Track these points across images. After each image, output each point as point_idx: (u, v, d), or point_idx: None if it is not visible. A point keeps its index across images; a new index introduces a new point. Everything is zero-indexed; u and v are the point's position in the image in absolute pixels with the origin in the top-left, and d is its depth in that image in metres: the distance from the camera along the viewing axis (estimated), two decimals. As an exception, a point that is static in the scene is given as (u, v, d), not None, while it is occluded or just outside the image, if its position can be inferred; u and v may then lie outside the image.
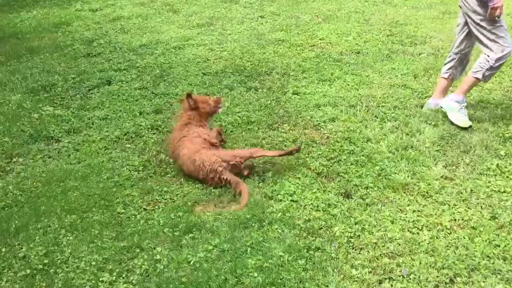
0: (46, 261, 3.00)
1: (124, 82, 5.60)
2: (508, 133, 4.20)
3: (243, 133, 4.41)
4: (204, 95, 4.26)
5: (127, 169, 3.93)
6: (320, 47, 6.55)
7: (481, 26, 4.21)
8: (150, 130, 4.55)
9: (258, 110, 4.83)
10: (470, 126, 4.29)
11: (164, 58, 6.33)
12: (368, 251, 3.00)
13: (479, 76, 4.29)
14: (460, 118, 4.33)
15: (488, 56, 4.22)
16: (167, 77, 5.72)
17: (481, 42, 4.29)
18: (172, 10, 8.56)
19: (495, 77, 5.35)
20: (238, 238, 3.12)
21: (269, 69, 5.86)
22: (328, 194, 3.54)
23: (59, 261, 3.01)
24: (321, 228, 3.20)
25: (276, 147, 4.15)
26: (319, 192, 3.57)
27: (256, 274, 2.82)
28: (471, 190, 3.52)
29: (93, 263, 2.97)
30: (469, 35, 4.44)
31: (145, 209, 3.46)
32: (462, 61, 4.61)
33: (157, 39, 7.04)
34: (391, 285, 2.75)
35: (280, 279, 2.79)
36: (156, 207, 3.49)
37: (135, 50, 6.64)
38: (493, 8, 4.04)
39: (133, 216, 3.39)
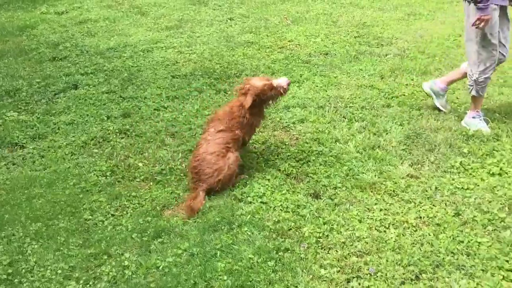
0: (10, 270, 2.93)
1: (91, 86, 5.52)
2: (471, 131, 4.31)
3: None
4: (267, 78, 3.81)
5: (94, 174, 3.88)
6: (289, 48, 6.59)
7: (470, 33, 4.20)
8: (118, 134, 4.49)
9: (228, 112, 4.82)
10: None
11: (132, 61, 6.26)
12: (336, 251, 3.03)
13: (474, 93, 4.37)
14: (483, 127, 4.35)
15: (471, 70, 4.29)
16: (135, 80, 5.66)
17: (467, 49, 4.32)
18: (141, 12, 8.48)
19: (459, 77, 5.50)
20: (207, 242, 3.11)
21: (238, 71, 5.87)
22: (297, 195, 3.57)
23: (24, 270, 2.94)
24: (291, 229, 3.23)
25: (245, 149, 4.16)
26: (289, 193, 3.59)
27: (225, 277, 2.82)
28: (436, 188, 3.60)
29: (59, 271, 2.92)
30: None
31: (112, 215, 3.42)
32: None
33: (125, 42, 6.96)
34: (359, 284, 2.79)
35: (250, 282, 2.79)
36: (124, 212, 3.45)
37: (102, 53, 6.54)
38: (479, 19, 3.97)
39: (101, 222, 3.34)
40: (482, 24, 3.99)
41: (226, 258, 2.97)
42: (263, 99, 3.76)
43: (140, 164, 4.00)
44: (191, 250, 3.04)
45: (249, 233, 3.18)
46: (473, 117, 4.43)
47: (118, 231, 3.25)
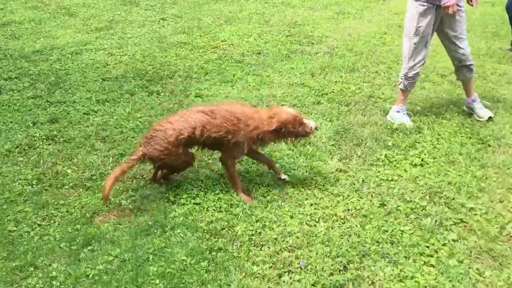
0: None
1: (15, 91, 5.27)
2: (395, 125, 4.52)
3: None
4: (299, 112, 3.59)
5: (19, 183, 3.71)
6: (222, 48, 6.62)
7: (407, 29, 4.41)
8: (45, 141, 4.32)
9: (161, 114, 4.77)
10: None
11: (60, 64, 6.04)
12: (268, 247, 3.09)
13: (402, 87, 4.60)
14: (406, 121, 4.54)
15: (404, 65, 4.52)
16: (63, 84, 5.47)
17: (403, 44, 4.52)
18: (69, 13, 8.19)
19: (384, 73, 5.76)
20: (139, 246, 3.07)
21: (171, 72, 5.82)
22: (230, 195, 3.59)
23: None
24: (224, 228, 3.25)
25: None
26: (222, 193, 3.61)
27: (158, 281, 2.80)
28: (363, 181, 3.75)
29: (-19, 287, 2.79)
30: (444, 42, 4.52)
31: (39, 225, 3.29)
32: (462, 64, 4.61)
33: (52, 44, 6.70)
34: (290, 278, 2.86)
35: (183, 283, 2.79)
36: (52, 221, 3.33)
37: (27, 56, 6.27)
38: (445, 7, 4.13)
39: (26, 233, 3.21)
40: (450, 9, 4.12)
41: (159, 261, 2.95)
42: (284, 131, 3.44)
43: (69, 171, 3.88)
44: (122, 256, 2.99)
45: (182, 235, 3.17)
46: (398, 111, 4.65)
47: (45, 241, 3.13)
